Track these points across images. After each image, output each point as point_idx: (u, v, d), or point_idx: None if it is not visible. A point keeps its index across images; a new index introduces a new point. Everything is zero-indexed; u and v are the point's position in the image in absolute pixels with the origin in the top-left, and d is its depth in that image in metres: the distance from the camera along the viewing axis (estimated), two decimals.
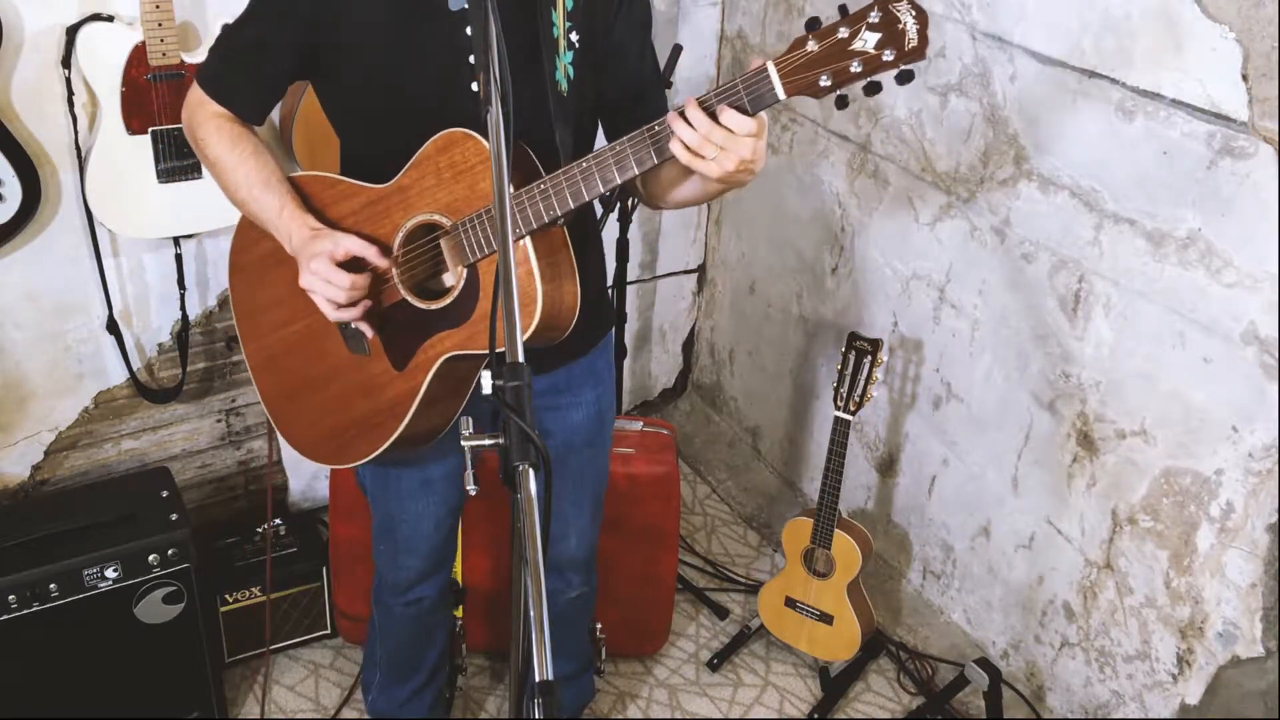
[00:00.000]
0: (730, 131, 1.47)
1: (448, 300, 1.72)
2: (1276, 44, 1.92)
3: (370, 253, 1.71)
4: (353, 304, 1.72)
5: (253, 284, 1.97)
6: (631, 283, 3.40)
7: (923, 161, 2.67)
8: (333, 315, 1.74)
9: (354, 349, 1.83)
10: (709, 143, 1.47)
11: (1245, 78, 1.98)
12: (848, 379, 2.57)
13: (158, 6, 2.26)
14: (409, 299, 1.75)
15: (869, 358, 2.55)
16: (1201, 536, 2.23)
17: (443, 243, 1.70)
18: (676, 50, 2.70)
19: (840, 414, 2.59)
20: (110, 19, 2.33)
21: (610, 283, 2.97)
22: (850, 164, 2.89)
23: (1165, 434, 2.26)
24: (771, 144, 3.16)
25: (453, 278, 1.72)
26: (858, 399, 2.57)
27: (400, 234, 1.73)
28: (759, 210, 3.27)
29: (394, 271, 1.74)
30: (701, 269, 3.59)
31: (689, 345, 3.72)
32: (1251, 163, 2.01)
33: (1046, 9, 2.30)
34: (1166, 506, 2.29)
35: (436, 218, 1.70)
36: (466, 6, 1.66)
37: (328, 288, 1.69)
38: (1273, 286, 2.02)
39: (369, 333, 1.78)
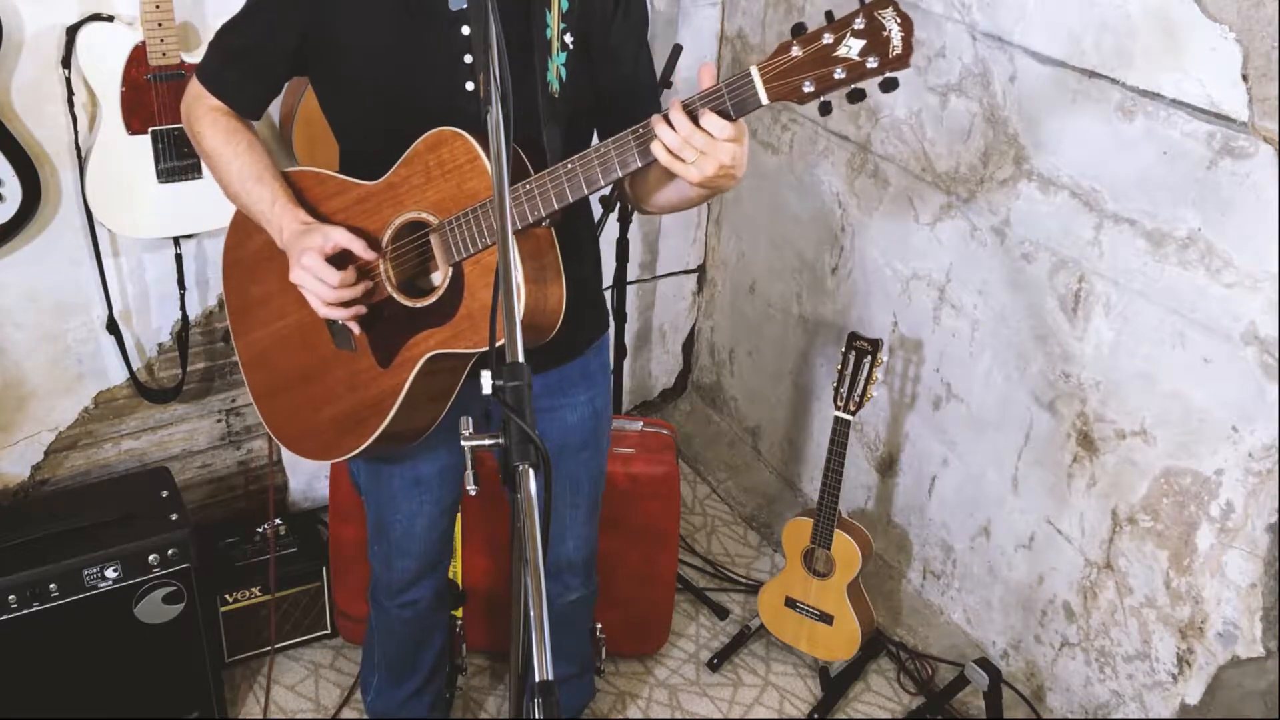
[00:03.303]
0: (710, 136, 1.46)
1: (433, 299, 1.72)
2: (1276, 44, 1.92)
3: (359, 246, 1.72)
4: (341, 301, 1.72)
5: (245, 279, 1.98)
6: (631, 283, 3.40)
7: (923, 161, 2.67)
8: (322, 311, 1.75)
9: (340, 344, 1.83)
10: (689, 146, 1.47)
11: (1245, 78, 1.98)
12: (848, 379, 2.57)
13: (158, 6, 2.26)
14: (395, 296, 1.75)
15: (869, 358, 2.55)
16: (1201, 536, 2.23)
17: (433, 240, 1.71)
18: (676, 50, 2.70)
19: (840, 414, 2.59)
20: (110, 19, 2.33)
21: (610, 283, 2.98)
22: (850, 164, 2.89)
23: (1165, 434, 2.26)
24: (771, 144, 3.16)
25: (440, 276, 1.73)
26: (858, 399, 2.57)
27: (389, 231, 1.74)
28: (759, 210, 3.27)
29: (382, 268, 1.75)
30: (701, 269, 3.59)
31: (689, 345, 3.72)
32: (1251, 163, 2.01)
33: (1046, 9, 2.30)
34: (1166, 506, 2.29)
35: (424, 216, 1.70)
36: (465, 6, 1.67)
37: (317, 284, 1.70)
38: (1273, 286, 2.02)
39: (356, 329, 1.78)
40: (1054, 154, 2.36)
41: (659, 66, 2.78)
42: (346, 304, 1.73)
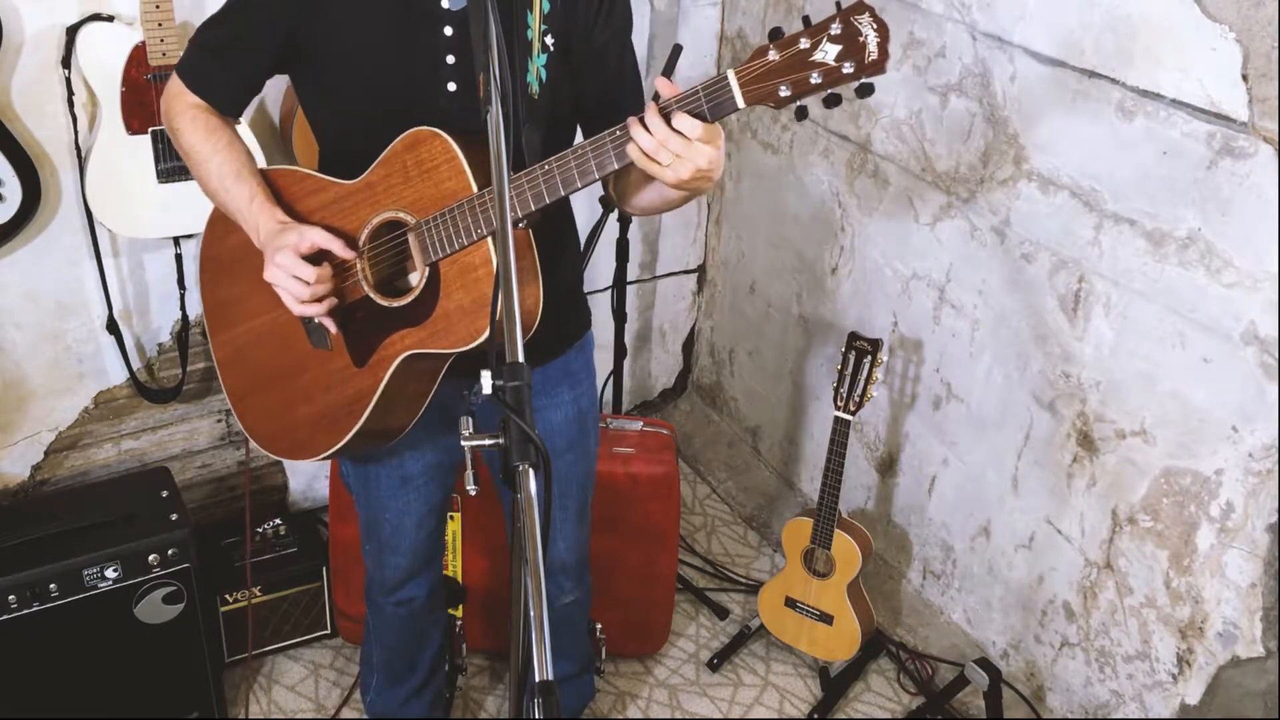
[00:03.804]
0: (685, 138, 1.46)
1: (409, 299, 1.72)
2: (1276, 44, 1.92)
3: (336, 246, 1.71)
4: (316, 299, 1.72)
5: (221, 277, 1.97)
6: (631, 283, 3.40)
7: (923, 161, 2.67)
8: (296, 310, 1.74)
9: (316, 343, 1.83)
10: (664, 149, 1.47)
11: (1245, 78, 1.98)
12: (848, 379, 2.57)
13: (158, 6, 2.26)
14: (372, 296, 1.75)
15: (869, 358, 2.55)
16: (1201, 536, 2.23)
17: (411, 240, 1.71)
18: (676, 50, 2.69)
19: (840, 414, 2.59)
20: (110, 19, 2.33)
21: (610, 283, 2.98)
22: (850, 164, 2.89)
23: (1165, 434, 2.26)
24: (771, 144, 3.16)
25: (417, 276, 1.73)
26: (858, 399, 2.57)
27: (366, 230, 1.74)
28: (759, 210, 3.27)
29: (358, 268, 1.75)
30: (701, 269, 3.59)
31: (689, 345, 3.72)
32: (1251, 163, 2.01)
33: (1046, 9, 2.30)
34: (1166, 506, 2.29)
35: (401, 215, 1.70)
36: (463, 6, 1.67)
37: (292, 282, 1.70)
38: (1273, 286, 2.02)
39: (332, 328, 1.78)
40: (1054, 154, 2.35)
41: (659, 67, 2.79)
42: (321, 304, 1.73)
